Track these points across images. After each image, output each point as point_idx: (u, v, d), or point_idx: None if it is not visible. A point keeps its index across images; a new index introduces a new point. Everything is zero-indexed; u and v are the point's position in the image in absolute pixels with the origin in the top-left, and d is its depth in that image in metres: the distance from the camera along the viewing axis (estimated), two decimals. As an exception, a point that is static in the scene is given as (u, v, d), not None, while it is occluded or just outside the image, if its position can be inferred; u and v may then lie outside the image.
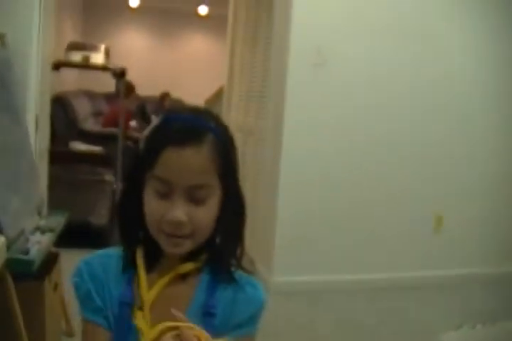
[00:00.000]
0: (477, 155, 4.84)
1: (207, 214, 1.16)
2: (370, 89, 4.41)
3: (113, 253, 1.26)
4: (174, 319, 1.10)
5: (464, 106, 4.70)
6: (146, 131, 1.20)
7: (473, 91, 4.71)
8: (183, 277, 1.23)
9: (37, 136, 3.48)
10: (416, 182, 4.68)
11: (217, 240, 1.24)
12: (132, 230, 1.25)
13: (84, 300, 1.22)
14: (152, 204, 1.15)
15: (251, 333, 1.25)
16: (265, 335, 1.26)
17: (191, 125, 1.15)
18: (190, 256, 1.22)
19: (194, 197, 1.14)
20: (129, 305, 1.18)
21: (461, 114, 4.71)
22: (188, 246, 1.18)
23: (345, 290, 4.47)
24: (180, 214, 1.12)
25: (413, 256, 4.76)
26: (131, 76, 6.78)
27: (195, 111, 1.21)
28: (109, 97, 9.76)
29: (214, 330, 1.16)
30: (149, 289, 1.19)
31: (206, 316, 1.20)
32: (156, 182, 1.14)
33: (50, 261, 3.01)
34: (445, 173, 4.76)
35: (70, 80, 8.11)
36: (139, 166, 1.19)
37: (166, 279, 1.20)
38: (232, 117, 5.70)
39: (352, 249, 4.55)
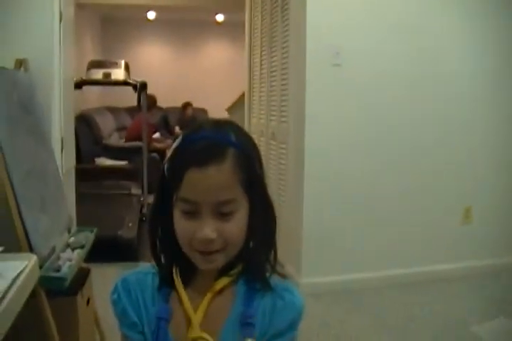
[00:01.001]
0: (507, 146, 4.87)
1: (235, 227, 1.16)
2: (388, 85, 4.45)
3: (149, 270, 1.29)
4: (210, 334, 1.17)
5: (491, 95, 4.76)
6: (169, 153, 1.22)
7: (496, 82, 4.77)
8: (220, 291, 1.24)
9: (63, 156, 3.56)
10: (444, 174, 4.70)
11: (250, 249, 1.24)
12: (165, 249, 1.27)
13: (121, 316, 1.25)
14: (181, 225, 1.17)
15: (292, 339, 1.25)
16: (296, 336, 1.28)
17: (210, 143, 1.15)
18: (225, 269, 1.24)
19: (221, 212, 1.14)
20: (166, 321, 1.20)
21: (490, 102, 4.76)
22: (221, 260, 1.19)
23: (374, 287, 4.49)
24: (209, 232, 1.13)
25: (442, 248, 4.76)
26: (152, 89, 6.88)
27: (214, 126, 1.21)
28: (131, 111, 9.90)
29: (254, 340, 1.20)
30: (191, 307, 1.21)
31: (245, 326, 1.21)
32: (182, 204, 1.15)
33: (81, 277, 3.07)
34: (474, 165, 4.79)
35: (93, 98, 8.25)
36: (165, 187, 1.21)
37: (206, 299, 1.21)
38: (254, 122, 5.75)
39: (380, 245, 4.58)
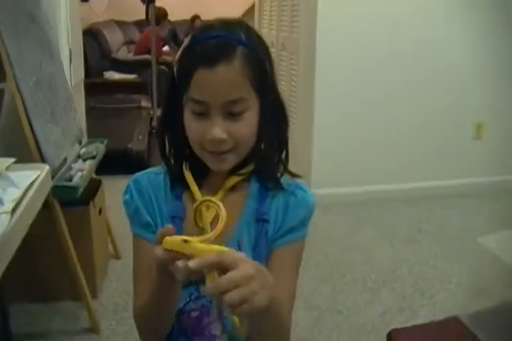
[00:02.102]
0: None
1: (246, 127, 1.15)
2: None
3: (160, 170, 1.28)
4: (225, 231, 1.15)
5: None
6: (178, 54, 1.19)
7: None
8: (232, 189, 1.24)
9: (71, 69, 3.55)
10: (456, 90, 4.65)
11: (262, 149, 1.24)
12: (176, 149, 1.25)
13: (134, 216, 1.24)
14: (192, 126, 1.16)
15: (302, 237, 1.26)
16: (305, 247, 1.29)
17: (219, 42, 1.12)
18: (237, 169, 1.23)
19: (231, 112, 1.13)
20: (180, 219, 1.20)
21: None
22: (232, 160, 1.18)
23: (382, 200, 4.54)
24: (219, 132, 1.12)
25: (453, 164, 4.77)
26: (160, 2, 6.75)
27: (224, 26, 1.17)
28: (140, 25, 9.73)
29: (267, 236, 1.22)
30: None
31: (259, 222, 1.23)
32: (192, 104, 1.14)
33: (93, 187, 3.13)
34: (485, 81, 4.72)
35: (100, 11, 8.11)
36: (174, 89, 1.19)
37: (219, 196, 1.21)
38: (265, 33, 5.66)
39: (390, 159, 4.59)
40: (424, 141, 4.67)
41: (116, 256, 3.54)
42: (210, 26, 1.17)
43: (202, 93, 1.12)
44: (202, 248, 0.93)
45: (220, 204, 1.03)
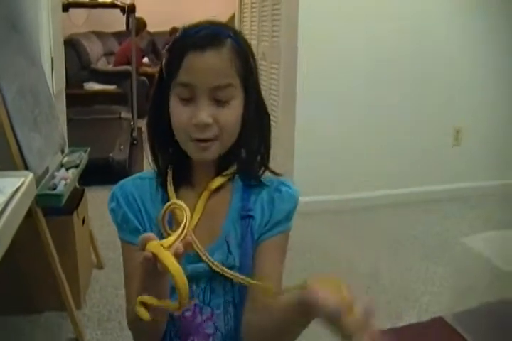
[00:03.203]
0: (496, 67, 4.85)
1: (231, 114, 1.17)
2: (382, 6, 4.42)
3: (145, 175, 1.29)
4: (213, 231, 1.19)
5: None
6: (167, 46, 1.22)
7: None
8: (217, 189, 1.25)
9: (53, 78, 3.53)
10: (435, 96, 4.71)
11: (244, 144, 1.26)
12: (163, 146, 1.26)
13: (122, 223, 1.24)
14: (178, 111, 1.17)
15: (287, 229, 1.28)
16: (288, 255, 1.31)
17: (209, 33, 1.16)
18: (221, 170, 1.25)
19: (217, 98, 1.15)
20: (168, 223, 1.16)
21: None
22: (215, 149, 1.19)
23: (365, 207, 4.57)
24: (205, 116, 1.14)
25: (433, 169, 4.83)
26: (140, 13, 6.75)
27: (211, 23, 1.21)
28: (119, 36, 9.73)
29: (253, 232, 1.23)
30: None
31: (245, 219, 1.24)
32: (179, 89, 1.16)
33: (76, 197, 3.11)
34: (464, 86, 4.79)
35: (79, 22, 8.08)
36: (162, 83, 1.21)
37: (203, 197, 1.23)
38: (246, 42, 5.69)
39: (371, 166, 4.63)
40: (405, 147, 4.71)
41: (99, 266, 3.51)
42: (198, 23, 1.21)
43: (190, 77, 1.14)
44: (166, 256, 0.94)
45: (184, 206, 1.03)
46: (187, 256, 1.16)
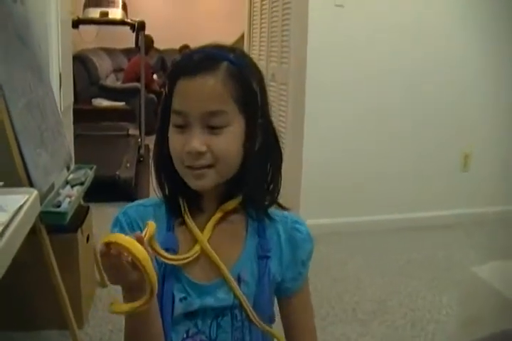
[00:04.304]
0: (504, 92, 4.81)
1: (226, 142, 1.12)
2: (391, 27, 4.39)
3: (148, 203, 1.26)
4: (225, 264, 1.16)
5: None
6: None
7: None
8: (230, 216, 1.22)
9: (61, 93, 3.52)
10: (443, 121, 4.67)
11: (248, 176, 1.20)
12: (168, 175, 1.22)
13: None
14: (173, 139, 1.15)
15: (306, 274, 1.31)
16: None
17: (204, 56, 1.14)
18: (228, 198, 1.21)
19: (211, 125, 1.11)
20: (173, 251, 1.17)
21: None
22: (211, 177, 1.14)
23: (372, 231, 4.52)
24: (197, 144, 1.10)
25: (440, 194, 4.78)
26: (149, 30, 6.77)
27: (214, 46, 1.19)
28: (128, 53, 9.81)
29: (271, 273, 1.21)
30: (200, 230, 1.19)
31: (262, 260, 1.21)
32: (174, 116, 1.13)
33: (81, 214, 3.09)
34: (473, 112, 4.75)
35: (89, 38, 8.12)
36: (165, 107, 1.18)
37: (214, 218, 1.20)
38: (255, 63, 5.68)
39: (379, 190, 4.59)
40: (413, 172, 4.68)
41: (103, 284, 3.48)
42: (202, 46, 1.19)
43: (182, 103, 1.12)
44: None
45: (129, 247, 0.97)
46: (197, 287, 1.18)
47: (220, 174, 1.15)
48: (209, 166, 1.13)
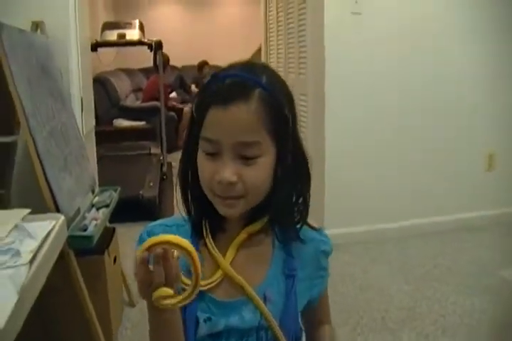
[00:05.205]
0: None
1: (258, 173, 1.10)
2: (410, 33, 4.41)
3: (172, 222, 1.25)
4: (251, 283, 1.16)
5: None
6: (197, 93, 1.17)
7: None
8: (256, 236, 1.21)
9: (83, 117, 3.57)
10: (467, 121, 4.67)
11: (279, 200, 1.17)
12: (195, 197, 1.21)
13: None
14: (203, 166, 1.12)
15: (326, 284, 1.33)
16: None
17: (237, 81, 1.09)
18: (254, 219, 1.20)
19: (244, 156, 1.08)
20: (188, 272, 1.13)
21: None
22: (241, 206, 1.13)
23: (397, 237, 4.52)
24: (229, 175, 1.08)
25: (465, 197, 4.77)
26: (166, 48, 6.84)
27: (245, 66, 1.15)
28: (146, 72, 9.91)
29: (297, 292, 1.21)
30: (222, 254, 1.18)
31: (289, 279, 1.20)
32: (204, 143, 1.10)
33: (107, 236, 3.12)
34: (497, 111, 4.75)
35: (108, 61, 8.24)
36: (192, 131, 1.16)
37: (238, 240, 1.19)
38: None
39: (402, 195, 4.59)
40: (435, 174, 4.67)
41: (131, 303, 3.51)
42: (231, 66, 1.16)
43: (214, 131, 1.09)
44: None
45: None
46: (221, 306, 1.17)
47: (249, 204, 1.15)
48: (239, 196, 1.12)
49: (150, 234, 1.20)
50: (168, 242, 0.97)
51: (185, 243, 0.98)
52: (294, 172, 1.18)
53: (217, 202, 1.14)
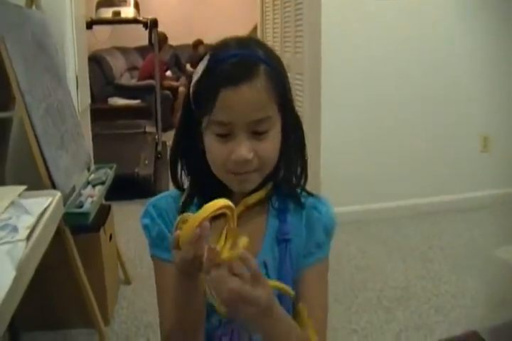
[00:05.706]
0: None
1: (271, 146, 1.14)
2: (408, 12, 4.39)
3: (174, 193, 1.27)
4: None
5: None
6: (195, 76, 1.16)
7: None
8: (252, 208, 1.22)
9: (78, 95, 3.56)
10: (461, 103, 4.67)
11: (282, 167, 1.22)
12: (191, 174, 1.23)
13: (157, 239, 1.22)
14: (215, 148, 1.13)
15: (327, 255, 1.27)
16: None
17: (240, 61, 1.10)
18: (249, 192, 1.21)
19: (256, 131, 1.11)
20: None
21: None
22: (256, 180, 1.16)
23: (392, 217, 4.54)
24: (246, 153, 1.10)
25: (460, 178, 4.78)
26: (162, 27, 6.80)
27: (240, 43, 1.15)
28: (142, 51, 9.84)
29: (292, 256, 1.21)
30: None
31: (282, 243, 1.21)
32: (216, 127, 1.11)
33: (103, 213, 3.12)
34: (490, 93, 4.75)
35: (103, 38, 8.20)
36: (190, 114, 1.17)
37: (238, 210, 1.13)
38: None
39: (398, 175, 4.60)
40: (431, 155, 4.68)
41: (127, 281, 3.52)
42: (226, 45, 1.16)
43: (228, 115, 1.09)
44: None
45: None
46: None
47: (262, 176, 1.17)
48: (254, 170, 1.14)
49: (156, 206, 1.24)
50: (225, 206, 0.99)
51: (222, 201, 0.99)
52: (294, 139, 1.23)
53: (231, 179, 1.16)
